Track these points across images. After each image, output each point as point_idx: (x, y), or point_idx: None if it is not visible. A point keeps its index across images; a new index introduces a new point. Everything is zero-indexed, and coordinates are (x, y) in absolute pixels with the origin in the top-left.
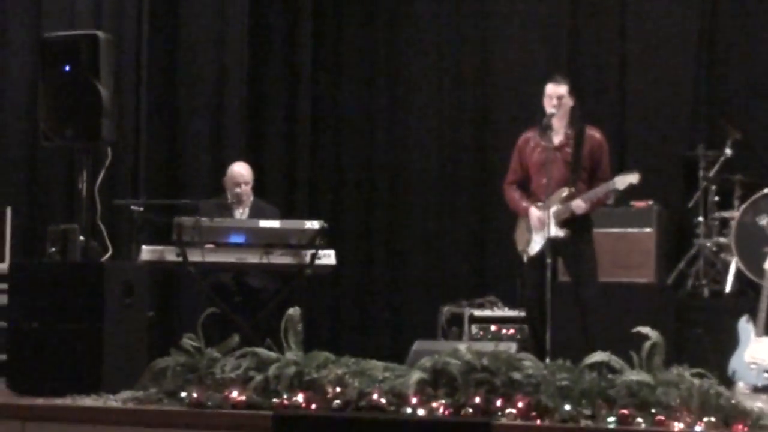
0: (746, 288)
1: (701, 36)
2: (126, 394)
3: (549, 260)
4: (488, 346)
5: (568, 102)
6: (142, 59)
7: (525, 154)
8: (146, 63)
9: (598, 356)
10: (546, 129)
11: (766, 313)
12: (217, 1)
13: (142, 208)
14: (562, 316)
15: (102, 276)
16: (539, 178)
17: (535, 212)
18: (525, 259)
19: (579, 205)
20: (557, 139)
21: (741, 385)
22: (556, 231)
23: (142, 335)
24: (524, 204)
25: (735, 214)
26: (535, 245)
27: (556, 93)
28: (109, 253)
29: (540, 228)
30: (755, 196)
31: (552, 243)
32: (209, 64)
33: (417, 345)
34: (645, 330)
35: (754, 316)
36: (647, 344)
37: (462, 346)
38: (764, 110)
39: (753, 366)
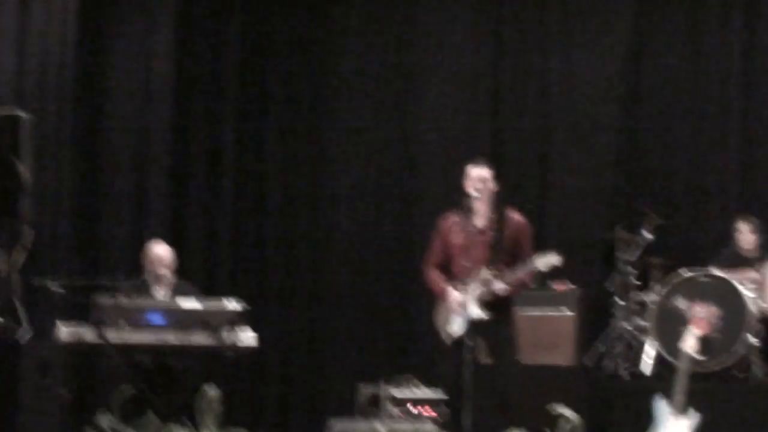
0: (664, 370)
1: (622, 120)
2: None
3: (469, 342)
4: (406, 427)
5: (491, 186)
6: (64, 137)
7: (447, 236)
8: (68, 141)
9: None
10: (468, 211)
11: (683, 394)
12: (141, 90)
13: (61, 288)
14: (482, 396)
15: (18, 356)
16: (461, 259)
17: (454, 295)
18: (447, 340)
19: (501, 287)
20: (480, 222)
21: None
22: (477, 312)
23: (57, 415)
24: (444, 286)
25: (653, 296)
26: (457, 327)
27: (479, 176)
28: (27, 332)
29: (459, 312)
30: (674, 279)
31: (473, 325)
32: (132, 144)
33: (334, 423)
34: (564, 410)
35: (670, 397)
36: (567, 427)
37: (380, 426)
38: (684, 193)
39: None
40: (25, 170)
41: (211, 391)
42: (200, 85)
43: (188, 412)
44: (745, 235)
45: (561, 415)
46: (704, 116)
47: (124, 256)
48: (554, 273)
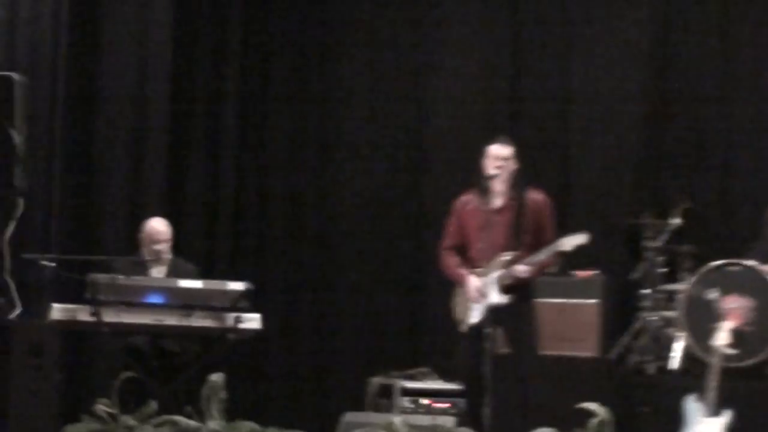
0: (693, 365)
1: (649, 98)
2: None
3: (488, 330)
4: (424, 420)
5: (512, 165)
6: (58, 103)
7: (463, 218)
8: (62, 108)
9: None
10: (486, 191)
11: (715, 393)
12: (137, 58)
13: (53, 264)
14: (502, 389)
15: (8, 335)
16: (478, 242)
17: (473, 282)
18: (463, 328)
19: (523, 269)
20: (498, 202)
21: None
22: (497, 298)
23: (51, 400)
24: (462, 272)
25: (683, 286)
26: (475, 314)
27: (500, 154)
28: (18, 310)
29: (478, 299)
30: (704, 269)
31: (492, 312)
32: (129, 115)
33: (347, 417)
34: (592, 406)
35: (701, 395)
36: (594, 421)
37: (397, 420)
38: (714, 178)
39: None
40: (18, 137)
41: (217, 379)
42: (200, 55)
43: (192, 401)
44: None
45: (589, 412)
46: (737, 95)
47: (121, 232)
48: (577, 261)
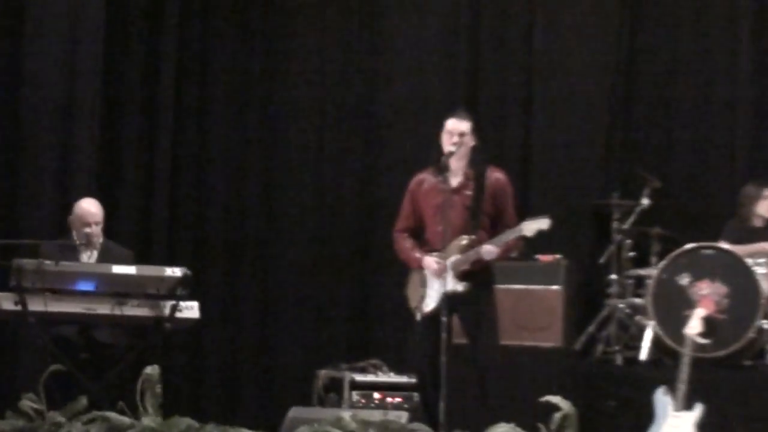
0: (663, 356)
1: (616, 71)
2: None
3: (444, 318)
4: (375, 415)
5: (470, 141)
6: None
7: (419, 198)
8: None
9: (501, 428)
10: (443, 169)
11: (687, 385)
12: (68, 29)
13: None
14: (458, 381)
15: None
16: (435, 224)
17: (431, 259)
18: (417, 317)
19: (489, 250)
20: (455, 180)
21: None
22: (453, 284)
23: None
24: (417, 254)
25: (652, 271)
26: (430, 301)
27: (457, 129)
28: None
29: (438, 276)
30: (675, 252)
31: (449, 299)
32: (57, 88)
33: (293, 412)
34: (555, 399)
35: (672, 388)
36: (557, 416)
37: (346, 415)
38: (683, 156)
39: None
40: None
41: (152, 372)
42: (135, 20)
43: (125, 396)
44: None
45: (553, 406)
46: (709, 69)
47: (48, 214)
48: (540, 244)
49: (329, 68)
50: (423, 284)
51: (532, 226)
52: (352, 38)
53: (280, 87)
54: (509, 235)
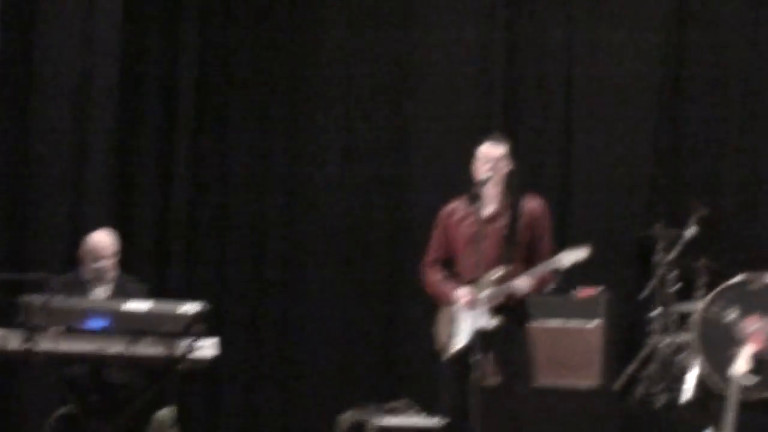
0: (709, 397)
1: (661, 93)
2: None
3: (476, 358)
4: None
5: (505, 166)
6: None
7: (450, 228)
8: None
9: None
10: (476, 198)
11: (733, 428)
12: (82, 50)
13: None
14: (490, 426)
15: None
16: (467, 256)
17: (463, 290)
18: (447, 356)
19: (523, 283)
20: (489, 209)
21: None
22: (486, 320)
23: None
24: (447, 288)
25: (698, 306)
26: (460, 339)
27: (492, 155)
28: None
29: (470, 307)
30: (722, 286)
31: (480, 336)
32: (70, 114)
33: None
34: None
35: (716, 429)
36: None
37: None
38: (733, 183)
39: None
40: None
41: (167, 414)
42: (154, 43)
43: None
44: None
45: None
46: (760, 93)
47: (58, 247)
48: (578, 278)
49: (356, 96)
50: (453, 321)
51: (569, 257)
52: (383, 66)
53: (304, 111)
54: (544, 267)
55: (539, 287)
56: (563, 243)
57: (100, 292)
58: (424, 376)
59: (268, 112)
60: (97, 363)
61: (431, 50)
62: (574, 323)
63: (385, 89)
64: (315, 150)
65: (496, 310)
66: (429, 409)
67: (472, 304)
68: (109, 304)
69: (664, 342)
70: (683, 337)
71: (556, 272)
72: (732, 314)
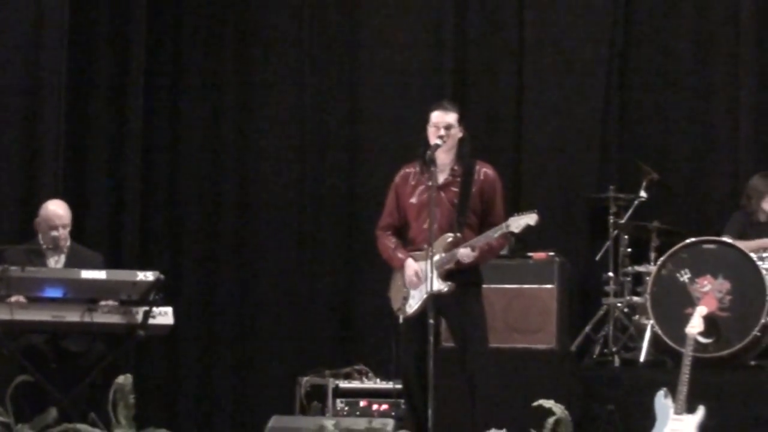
0: (664, 357)
1: (612, 61)
2: None
3: (431, 321)
4: (360, 423)
5: (457, 133)
6: None
7: (403, 194)
8: None
9: None
10: (429, 164)
11: (688, 387)
12: (31, 21)
13: None
14: (446, 387)
15: None
16: (420, 222)
17: (411, 265)
18: (401, 320)
19: (466, 253)
20: (442, 176)
21: None
22: (438, 285)
23: None
24: (400, 255)
25: (651, 268)
26: (414, 303)
27: (443, 121)
28: None
29: (417, 284)
30: (675, 247)
31: (434, 300)
32: (22, 85)
33: (273, 421)
34: (547, 404)
35: (672, 390)
36: (550, 420)
37: (328, 423)
38: (683, 147)
39: None
40: None
41: (124, 381)
42: (104, 10)
43: (97, 407)
44: None
45: (546, 411)
46: (711, 53)
47: (13, 217)
48: (532, 241)
49: (309, 57)
50: (406, 285)
51: (519, 222)
52: (334, 37)
53: (254, 79)
54: (494, 233)
55: (490, 254)
56: (516, 208)
57: (55, 262)
58: (379, 342)
59: (220, 74)
60: (54, 332)
61: (381, 11)
62: (529, 286)
63: (336, 56)
64: (268, 114)
65: (448, 275)
66: (383, 375)
67: (416, 286)
68: (67, 272)
69: (619, 303)
70: (637, 298)
71: (508, 237)
72: (685, 275)
